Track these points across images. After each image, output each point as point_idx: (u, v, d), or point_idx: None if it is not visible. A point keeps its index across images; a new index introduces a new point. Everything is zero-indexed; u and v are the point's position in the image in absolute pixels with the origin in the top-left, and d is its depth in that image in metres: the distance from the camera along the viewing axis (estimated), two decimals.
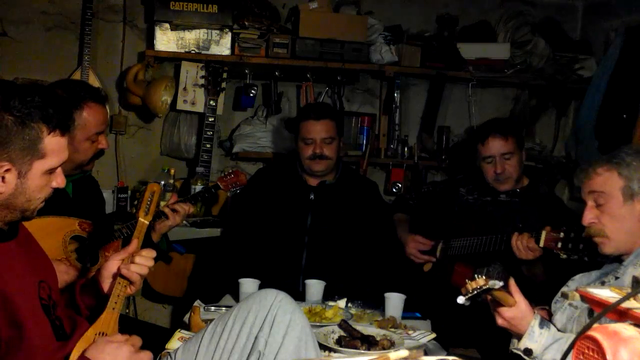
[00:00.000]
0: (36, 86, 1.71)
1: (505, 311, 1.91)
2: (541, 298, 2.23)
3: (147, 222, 2.04)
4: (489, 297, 1.91)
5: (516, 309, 1.90)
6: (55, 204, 2.00)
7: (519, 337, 1.91)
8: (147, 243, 2.64)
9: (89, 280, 1.93)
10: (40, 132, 1.60)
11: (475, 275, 1.85)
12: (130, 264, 1.86)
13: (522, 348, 1.89)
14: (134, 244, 1.93)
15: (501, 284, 1.89)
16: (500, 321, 1.93)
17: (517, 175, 3.04)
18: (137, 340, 1.72)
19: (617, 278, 2.01)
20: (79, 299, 1.87)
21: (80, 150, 2.44)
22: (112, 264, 1.89)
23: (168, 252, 2.82)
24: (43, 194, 1.67)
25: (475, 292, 1.83)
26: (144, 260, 1.88)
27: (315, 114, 3.06)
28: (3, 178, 1.58)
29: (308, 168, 3.08)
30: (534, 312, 1.92)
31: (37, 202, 1.67)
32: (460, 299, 1.88)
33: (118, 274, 1.86)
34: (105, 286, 1.88)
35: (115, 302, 1.81)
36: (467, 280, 1.88)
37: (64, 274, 2.27)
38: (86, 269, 2.41)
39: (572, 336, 1.89)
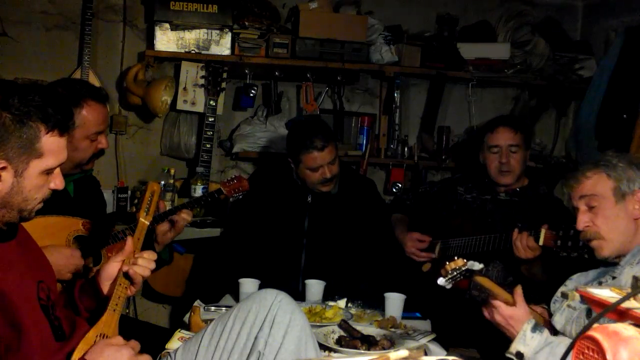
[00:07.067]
0: (37, 86, 1.72)
1: (506, 309, 1.92)
2: (540, 298, 2.24)
3: (147, 223, 2.04)
4: (490, 295, 1.91)
5: (517, 309, 1.91)
6: (57, 203, 1.99)
7: (513, 339, 1.92)
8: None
9: (88, 281, 1.92)
10: (38, 131, 1.60)
11: (455, 257, 1.86)
12: (133, 265, 1.86)
13: (514, 352, 1.90)
14: (129, 243, 1.92)
15: (481, 265, 1.89)
16: (498, 317, 1.94)
17: (519, 172, 3.04)
18: (135, 344, 1.72)
19: (614, 278, 2.02)
20: (77, 299, 1.87)
21: (79, 148, 2.43)
22: (112, 266, 1.88)
23: (169, 263, 2.80)
24: (40, 195, 1.66)
25: (455, 273, 1.83)
26: (146, 263, 1.88)
27: (320, 145, 2.91)
28: None
29: (315, 189, 3.00)
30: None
31: (34, 203, 1.66)
32: (440, 281, 1.89)
33: (119, 275, 1.85)
34: (105, 288, 1.87)
35: (116, 304, 1.81)
36: (446, 262, 1.89)
37: (70, 257, 2.26)
38: (88, 269, 2.41)
39: (565, 339, 1.91)
